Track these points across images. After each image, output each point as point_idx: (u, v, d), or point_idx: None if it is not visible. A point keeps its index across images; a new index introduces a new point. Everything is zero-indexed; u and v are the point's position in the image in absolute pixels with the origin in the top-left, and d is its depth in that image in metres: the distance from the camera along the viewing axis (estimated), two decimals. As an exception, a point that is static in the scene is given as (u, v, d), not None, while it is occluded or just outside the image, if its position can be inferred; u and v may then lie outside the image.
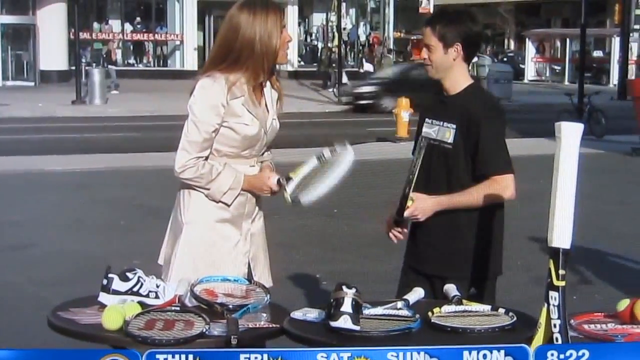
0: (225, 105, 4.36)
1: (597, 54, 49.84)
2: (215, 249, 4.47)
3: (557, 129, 3.53)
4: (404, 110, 21.95)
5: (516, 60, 50.81)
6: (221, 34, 4.50)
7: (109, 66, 39.21)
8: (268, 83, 4.56)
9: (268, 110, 4.53)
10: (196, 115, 4.39)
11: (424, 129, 4.73)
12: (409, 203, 4.45)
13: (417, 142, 4.78)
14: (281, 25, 4.42)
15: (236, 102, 4.39)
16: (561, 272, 3.47)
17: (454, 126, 4.56)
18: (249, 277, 4.43)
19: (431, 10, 47.67)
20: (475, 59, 34.99)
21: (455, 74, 4.65)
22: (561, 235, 3.47)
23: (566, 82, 44.26)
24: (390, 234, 4.67)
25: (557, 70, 51.11)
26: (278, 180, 4.43)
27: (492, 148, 4.52)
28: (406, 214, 4.49)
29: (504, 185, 4.53)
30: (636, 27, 40.77)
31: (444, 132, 4.60)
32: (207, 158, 4.43)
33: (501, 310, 3.89)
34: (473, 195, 4.51)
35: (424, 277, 4.67)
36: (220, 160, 4.45)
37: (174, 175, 4.46)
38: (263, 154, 4.60)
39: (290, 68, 47.99)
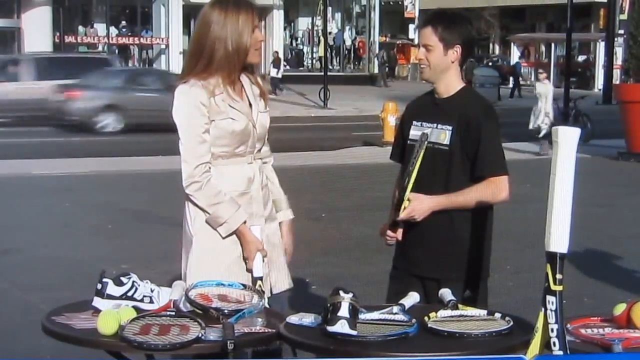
0: (206, 105, 4.38)
1: (582, 58, 50.00)
2: (226, 256, 4.46)
3: (554, 133, 3.53)
4: (390, 114, 21.97)
5: (501, 65, 50.89)
6: (194, 32, 4.57)
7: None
8: (247, 79, 4.57)
9: (251, 105, 4.54)
10: (182, 121, 4.42)
11: (412, 132, 4.72)
12: (406, 204, 4.44)
13: (400, 147, 4.79)
14: (253, 25, 4.45)
15: (217, 99, 4.41)
16: (558, 276, 3.46)
17: (450, 128, 4.55)
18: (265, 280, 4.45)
19: (417, 15, 47.83)
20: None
21: (451, 76, 4.65)
22: (558, 239, 3.46)
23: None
24: (386, 236, 4.66)
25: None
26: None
27: (491, 150, 4.54)
28: (403, 215, 4.47)
29: (500, 187, 4.56)
30: (621, 32, 40.81)
31: (439, 134, 4.59)
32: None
33: (497, 315, 3.88)
34: (470, 195, 4.52)
35: (417, 279, 4.66)
36: (216, 164, 4.43)
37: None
38: (260, 150, 4.59)
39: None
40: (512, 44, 52.99)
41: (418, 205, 4.48)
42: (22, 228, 11.93)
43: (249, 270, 4.43)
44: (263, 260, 4.43)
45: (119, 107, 25.11)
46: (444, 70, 4.62)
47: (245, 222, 4.42)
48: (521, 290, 8.21)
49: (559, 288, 3.46)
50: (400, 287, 4.58)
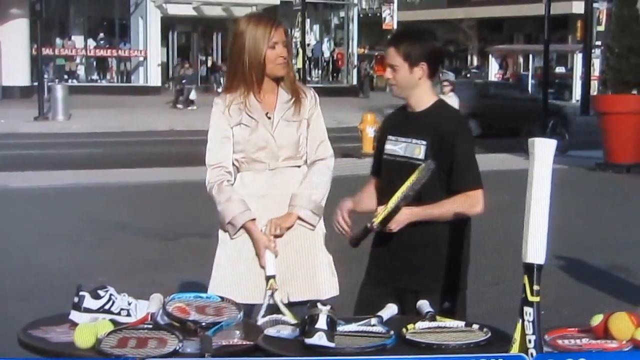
0: (226, 113, 4.63)
1: (560, 69, 50.24)
2: (242, 257, 4.63)
3: (531, 145, 3.55)
4: (369, 126, 22.00)
5: (480, 77, 51.09)
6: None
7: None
8: (280, 89, 4.73)
9: (275, 112, 4.69)
10: (210, 127, 4.70)
11: (388, 146, 4.74)
12: (383, 210, 4.42)
13: (377, 162, 4.80)
14: (270, 39, 4.59)
15: (232, 108, 4.64)
16: (535, 287, 3.48)
17: (425, 142, 4.57)
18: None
19: (395, 26, 47.94)
20: (439, 75, 35.04)
21: (421, 92, 4.67)
22: (535, 250, 3.49)
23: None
24: (339, 222, 4.67)
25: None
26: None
27: (466, 164, 4.57)
28: (378, 221, 4.44)
29: (475, 200, 4.58)
30: (598, 43, 41.06)
31: (413, 149, 4.61)
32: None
33: (475, 326, 3.89)
34: (446, 208, 4.54)
35: (391, 289, 4.66)
36: (240, 169, 4.67)
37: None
38: (290, 158, 4.70)
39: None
40: (490, 55, 53.20)
41: (395, 216, 4.48)
42: (0, 238, 11.84)
43: (262, 267, 4.58)
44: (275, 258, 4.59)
45: None
46: (412, 87, 4.65)
47: (254, 220, 4.57)
48: (501, 301, 8.21)
49: (536, 299, 3.48)
50: (372, 297, 4.61)
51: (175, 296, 4.08)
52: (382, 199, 4.55)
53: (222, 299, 4.21)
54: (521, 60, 52.96)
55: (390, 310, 4.13)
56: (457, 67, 57.95)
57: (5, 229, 12.69)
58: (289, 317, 4.16)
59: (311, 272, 4.73)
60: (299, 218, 4.69)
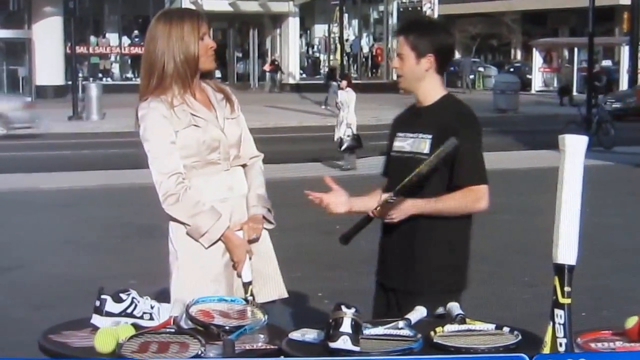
0: (167, 117, 4.44)
1: (606, 63, 49.81)
2: (212, 267, 4.48)
3: (561, 142, 3.51)
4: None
5: (523, 71, 50.80)
6: (144, 50, 4.64)
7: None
8: (209, 87, 4.64)
9: (216, 110, 4.57)
10: (147, 136, 4.48)
11: (396, 143, 4.76)
12: (387, 197, 4.41)
13: (387, 161, 4.77)
14: (200, 32, 4.51)
15: (176, 110, 4.47)
16: (566, 289, 3.45)
17: (430, 137, 4.57)
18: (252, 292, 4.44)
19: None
20: (481, 70, 35.21)
21: (428, 85, 4.67)
22: (566, 251, 3.45)
23: (575, 92, 44.20)
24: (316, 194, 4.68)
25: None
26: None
27: (469, 159, 4.54)
28: (380, 211, 4.45)
29: (479, 196, 4.55)
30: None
31: (419, 144, 4.61)
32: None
33: (506, 329, 3.86)
34: (449, 203, 4.52)
35: (391, 291, 4.69)
36: (190, 176, 4.46)
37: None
38: (238, 156, 4.61)
39: (292, 81, 48.15)
40: (534, 49, 52.86)
41: (397, 204, 4.46)
42: (26, 244, 11.94)
43: (239, 275, 4.47)
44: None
45: None
46: (419, 79, 4.65)
47: (228, 228, 4.46)
48: (537, 304, 8.16)
49: (567, 301, 3.45)
50: (382, 300, 4.66)
51: (199, 299, 4.08)
52: None
53: (247, 301, 4.21)
54: (566, 53, 52.56)
55: (419, 312, 4.10)
56: (499, 61, 57.71)
57: (34, 232, 12.78)
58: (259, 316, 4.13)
59: (273, 271, 4.69)
60: (263, 218, 4.64)
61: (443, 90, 4.70)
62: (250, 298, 4.36)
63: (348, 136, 19.33)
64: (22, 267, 10.61)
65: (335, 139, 19.58)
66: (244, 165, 4.68)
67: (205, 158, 4.49)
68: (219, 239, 4.45)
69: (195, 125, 4.47)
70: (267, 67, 48.75)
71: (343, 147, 19.35)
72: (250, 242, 4.55)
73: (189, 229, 4.44)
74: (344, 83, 21.01)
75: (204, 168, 4.51)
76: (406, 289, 4.61)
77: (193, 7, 44.04)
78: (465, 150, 4.48)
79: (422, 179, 4.39)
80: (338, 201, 4.72)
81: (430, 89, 4.67)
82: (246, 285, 4.45)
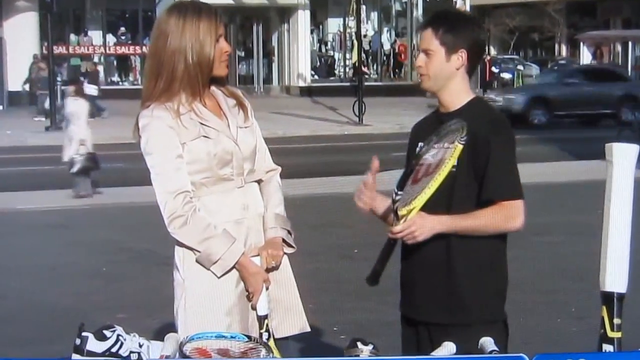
0: (173, 127, 4.42)
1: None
2: (225, 299, 4.48)
3: (608, 151, 3.52)
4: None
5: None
6: (150, 46, 4.59)
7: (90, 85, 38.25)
8: (220, 92, 4.61)
9: (228, 118, 4.55)
10: (150, 149, 4.48)
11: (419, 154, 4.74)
12: (404, 212, 4.36)
13: (406, 175, 4.77)
14: (216, 33, 4.47)
15: (183, 119, 4.44)
16: (616, 321, 3.46)
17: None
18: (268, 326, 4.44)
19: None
20: (520, 68, 35.22)
21: (456, 86, 4.65)
22: (615, 276, 3.46)
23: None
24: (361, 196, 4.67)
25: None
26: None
27: (502, 171, 4.50)
28: (401, 226, 4.40)
29: (513, 213, 4.50)
30: None
31: (446, 154, 4.60)
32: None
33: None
34: (479, 220, 4.48)
35: (421, 325, 4.67)
36: (200, 194, 4.45)
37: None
38: (253, 171, 4.60)
39: (302, 84, 48.15)
40: (581, 43, 52.83)
41: (420, 220, 4.41)
42: (6, 272, 11.98)
43: (254, 308, 4.45)
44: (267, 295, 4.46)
45: None
46: (447, 79, 4.62)
47: (244, 254, 4.43)
48: (585, 337, 8.14)
49: (617, 335, 3.46)
50: (411, 334, 4.63)
51: (195, 336, 4.08)
52: None
53: (250, 338, 4.22)
54: (619, 48, 52.49)
55: (447, 349, 4.11)
56: (542, 58, 57.58)
57: (11, 261, 12.80)
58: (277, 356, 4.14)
59: (294, 302, 4.69)
60: (283, 241, 4.62)
61: (471, 93, 4.69)
62: (265, 335, 4.36)
63: (81, 155, 18.43)
64: (3, 298, 10.63)
65: (66, 159, 18.59)
66: (259, 181, 4.67)
67: (217, 173, 4.47)
68: (233, 267, 4.43)
69: (205, 137, 4.45)
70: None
71: (75, 169, 18.38)
72: (269, 270, 4.53)
73: (198, 256, 4.42)
74: (71, 89, 19.98)
75: (215, 185, 4.49)
76: (437, 322, 4.59)
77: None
78: (496, 160, 4.47)
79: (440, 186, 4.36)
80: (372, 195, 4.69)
81: (459, 90, 4.65)
82: (261, 319, 4.42)
